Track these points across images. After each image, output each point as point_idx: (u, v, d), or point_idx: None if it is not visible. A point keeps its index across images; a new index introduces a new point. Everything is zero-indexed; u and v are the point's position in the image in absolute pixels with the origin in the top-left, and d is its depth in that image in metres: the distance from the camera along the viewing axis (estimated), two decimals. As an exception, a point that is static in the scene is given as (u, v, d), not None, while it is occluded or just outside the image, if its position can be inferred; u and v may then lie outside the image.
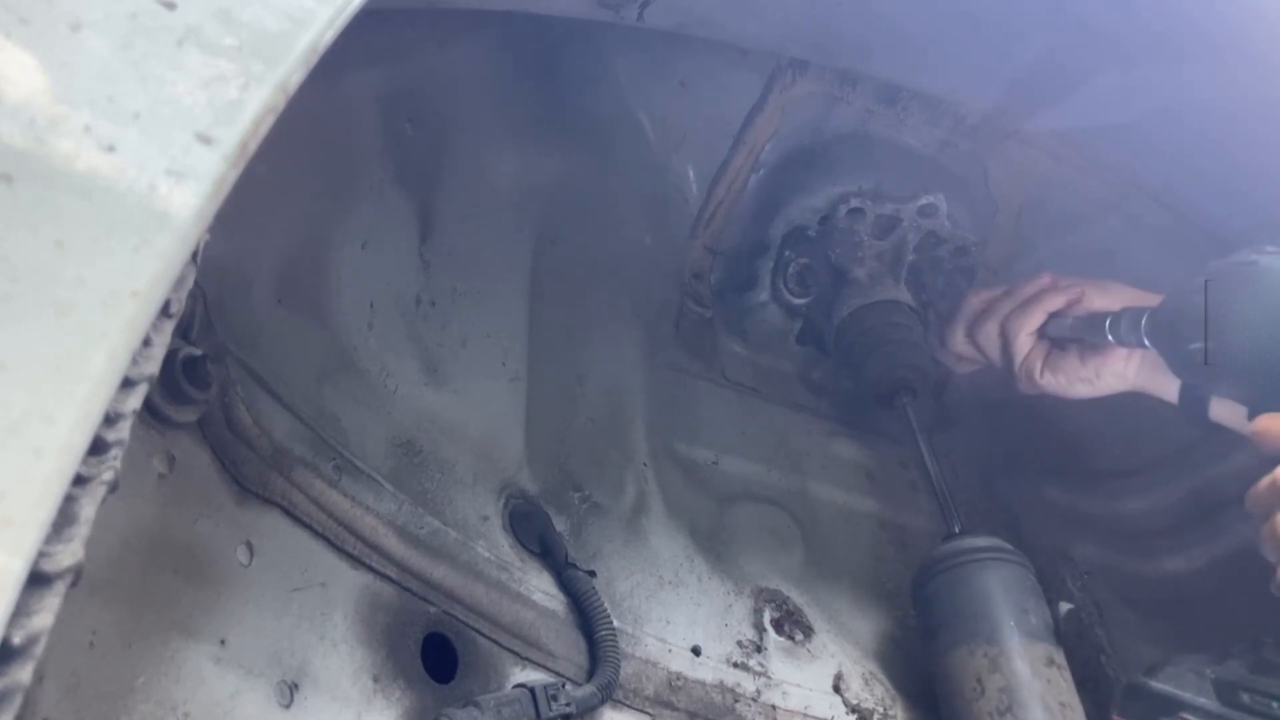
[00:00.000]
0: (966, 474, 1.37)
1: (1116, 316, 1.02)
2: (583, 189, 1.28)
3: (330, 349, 0.94)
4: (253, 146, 0.41)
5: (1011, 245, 1.37)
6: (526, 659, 0.92)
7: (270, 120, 0.42)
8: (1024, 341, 1.17)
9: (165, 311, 0.41)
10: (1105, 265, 1.30)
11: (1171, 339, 0.95)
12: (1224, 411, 0.99)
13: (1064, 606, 1.11)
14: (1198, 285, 0.91)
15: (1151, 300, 1.02)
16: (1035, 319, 1.16)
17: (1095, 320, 1.06)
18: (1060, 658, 0.99)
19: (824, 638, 1.10)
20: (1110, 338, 1.03)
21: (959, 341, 1.25)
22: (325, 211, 0.96)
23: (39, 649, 0.34)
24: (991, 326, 1.21)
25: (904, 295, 1.26)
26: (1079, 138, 1.19)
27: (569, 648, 0.95)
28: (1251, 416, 0.92)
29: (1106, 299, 1.11)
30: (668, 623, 1.03)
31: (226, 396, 0.79)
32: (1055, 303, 1.15)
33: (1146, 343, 0.98)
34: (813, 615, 1.12)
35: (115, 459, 0.38)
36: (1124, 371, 1.09)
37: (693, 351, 1.36)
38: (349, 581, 0.85)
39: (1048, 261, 1.35)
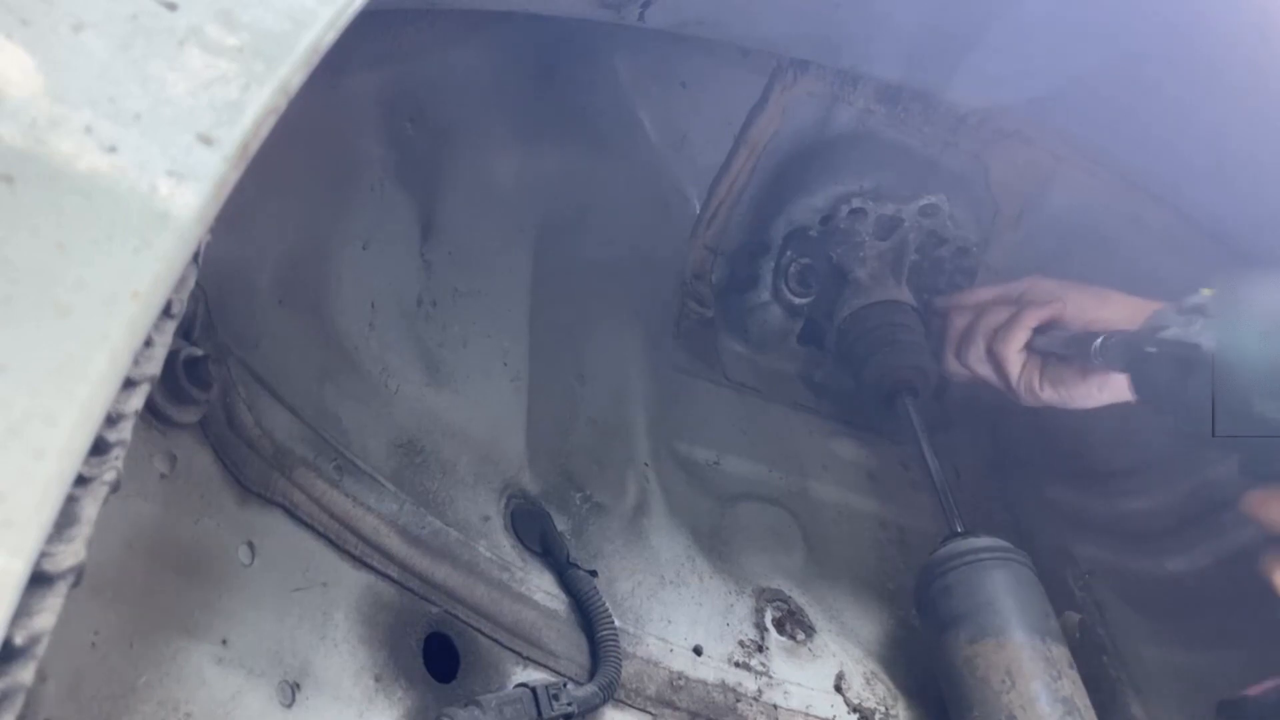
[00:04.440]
0: (968, 474, 1.37)
1: (1105, 340, 1.00)
2: (583, 189, 1.28)
3: (331, 349, 0.94)
4: (254, 147, 0.41)
5: (1012, 245, 1.37)
6: (528, 659, 0.92)
7: (271, 121, 0.42)
8: (1014, 360, 1.15)
9: (167, 312, 0.41)
10: (1105, 264, 1.30)
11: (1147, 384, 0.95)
12: None
13: (1073, 616, 1.11)
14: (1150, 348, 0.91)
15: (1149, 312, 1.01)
16: (1019, 338, 1.14)
17: (1083, 340, 1.04)
18: (1068, 656, 0.99)
19: (825, 637, 1.10)
20: (1097, 361, 1.01)
21: (950, 363, 1.24)
22: (326, 212, 0.96)
23: (41, 649, 0.34)
24: (978, 347, 1.19)
25: (905, 295, 1.26)
26: (1079, 137, 1.19)
27: (571, 647, 0.95)
28: (1241, 468, 0.92)
29: (1102, 308, 1.08)
30: (669, 622, 1.03)
31: (228, 397, 0.79)
32: (1036, 317, 1.13)
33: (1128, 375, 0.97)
34: (814, 615, 1.12)
35: (117, 459, 0.38)
36: (1128, 387, 1.05)
37: (694, 351, 1.36)
38: (350, 581, 0.85)
39: (1047, 263, 1.35)
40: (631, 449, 1.17)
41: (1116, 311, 1.05)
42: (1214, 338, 0.86)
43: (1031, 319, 1.14)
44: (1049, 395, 1.13)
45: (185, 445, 0.75)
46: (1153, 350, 0.92)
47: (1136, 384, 0.97)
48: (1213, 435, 0.86)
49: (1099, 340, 1.01)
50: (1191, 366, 0.87)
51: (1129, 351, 0.97)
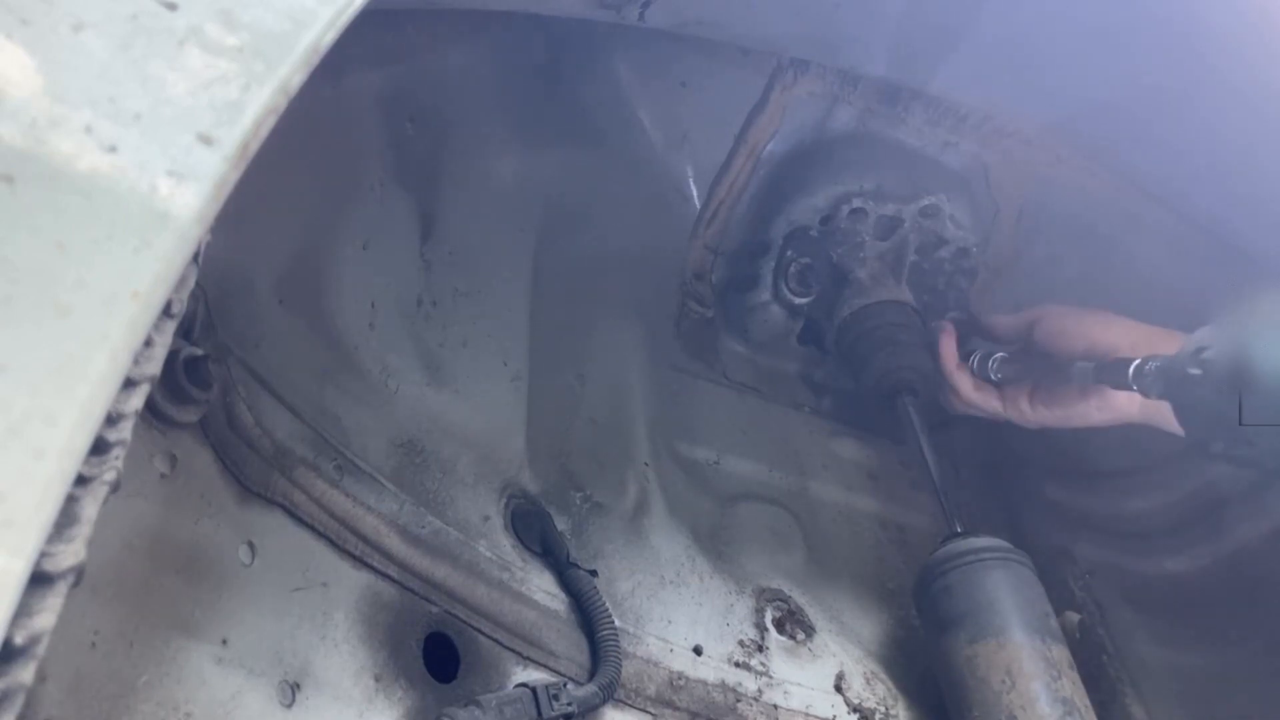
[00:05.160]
0: (967, 474, 1.37)
1: (1141, 365, 0.95)
2: (583, 189, 1.28)
3: (332, 349, 0.94)
4: (254, 147, 0.41)
5: (1012, 245, 1.37)
6: (528, 658, 0.92)
7: (271, 121, 0.42)
8: (965, 385, 1.20)
9: (167, 312, 0.41)
10: (1105, 264, 1.30)
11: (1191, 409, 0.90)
12: None
13: (1073, 616, 1.11)
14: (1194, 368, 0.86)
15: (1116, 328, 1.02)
16: (948, 359, 1.20)
17: (1118, 367, 0.99)
18: (1068, 656, 0.99)
19: (825, 637, 1.10)
20: (1134, 387, 0.96)
21: (958, 410, 1.27)
22: (326, 212, 0.96)
23: (41, 649, 0.34)
24: (951, 396, 1.23)
25: (905, 295, 1.25)
26: (1080, 137, 1.19)
27: (571, 647, 0.95)
28: None
29: (1106, 333, 1.06)
30: (669, 622, 1.03)
31: (228, 396, 0.79)
32: (949, 343, 1.21)
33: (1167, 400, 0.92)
34: (814, 615, 1.12)
35: (117, 459, 0.38)
36: (1128, 405, 1.06)
37: (694, 351, 1.36)
38: (351, 581, 0.85)
39: (1047, 263, 1.35)
40: (631, 449, 1.17)
41: (1122, 336, 1.04)
42: (1264, 354, 0.83)
43: (948, 346, 1.20)
44: (1043, 415, 1.14)
45: (185, 445, 0.75)
46: (1196, 372, 0.86)
47: (1180, 413, 0.92)
48: (1271, 462, 0.84)
49: (1134, 365, 0.96)
50: (1243, 386, 0.82)
51: (1168, 378, 0.91)
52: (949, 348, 1.22)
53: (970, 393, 1.20)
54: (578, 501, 1.08)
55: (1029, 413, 1.15)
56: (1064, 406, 1.11)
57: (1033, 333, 1.15)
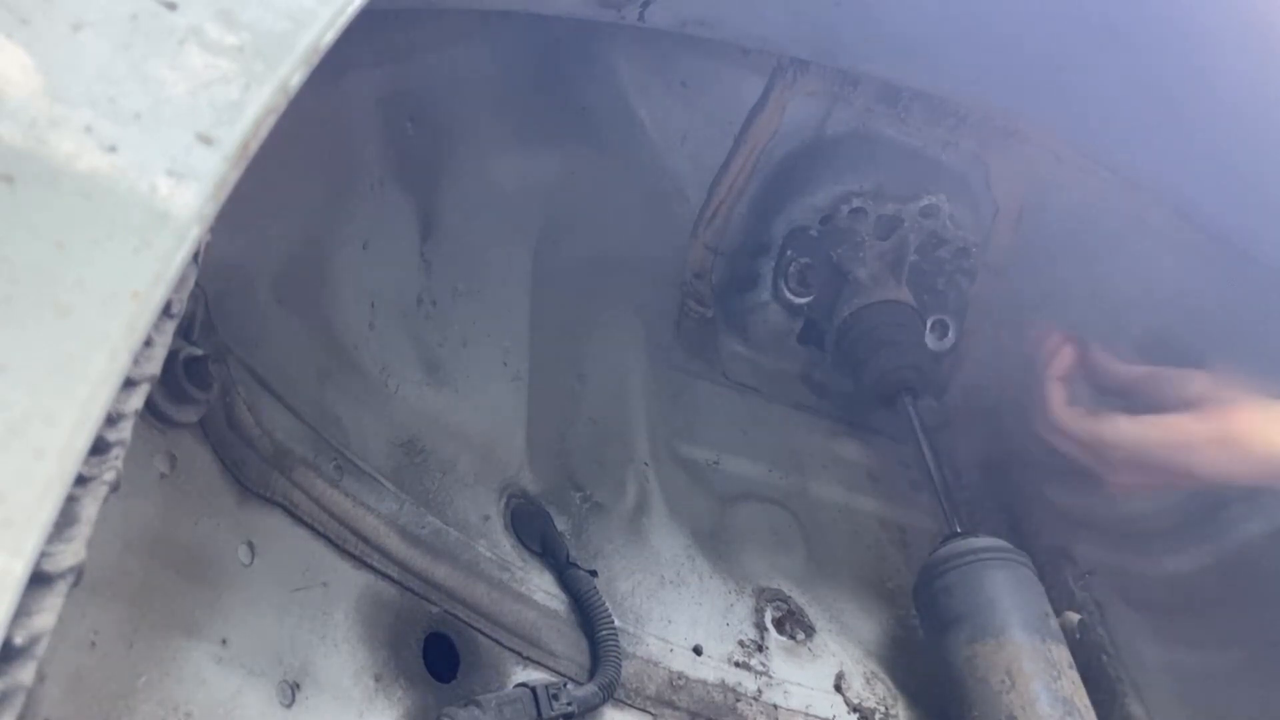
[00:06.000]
0: (967, 474, 1.37)
1: None
2: (584, 188, 1.28)
3: (331, 349, 0.94)
4: (254, 147, 0.41)
5: (1012, 245, 1.37)
6: (528, 658, 0.92)
7: (271, 120, 0.42)
8: (1062, 403, 1.08)
9: (166, 312, 0.41)
10: (1105, 264, 1.30)
11: None
12: None
13: (1072, 616, 1.11)
14: None
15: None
16: (1055, 397, 1.09)
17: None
18: (1068, 656, 0.99)
19: (825, 637, 1.10)
20: None
21: (1039, 431, 1.14)
22: (326, 211, 0.96)
23: (41, 649, 0.34)
24: (1038, 410, 1.12)
25: (905, 295, 1.26)
26: (1080, 137, 1.19)
27: (570, 647, 0.95)
28: None
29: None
30: (669, 622, 1.03)
31: (228, 396, 0.79)
32: (1060, 367, 1.11)
33: None
34: (814, 614, 1.12)
35: (117, 459, 0.38)
36: (1265, 449, 0.92)
37: (694, 351, 1.36)
38: (350, 581, 0.85)
39: (1047, 263, 1.35)
40: (631, 449, 1.17)
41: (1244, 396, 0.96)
42: None
43: (1061, 365, 1.12)
44: (1146, 432, 1.00)
45: (185, 445, 0.75)
46: None
47: None
48: None
49: None
50: None
51: None
52: (1062, 357, 1.12)
53: (1060, 407, 1.08)
54: (578, 501, 1.08)
55: (1127, 430, 1.01)
56: (1174, 432, 0.97)
57: (1144, 383, 1.06)
